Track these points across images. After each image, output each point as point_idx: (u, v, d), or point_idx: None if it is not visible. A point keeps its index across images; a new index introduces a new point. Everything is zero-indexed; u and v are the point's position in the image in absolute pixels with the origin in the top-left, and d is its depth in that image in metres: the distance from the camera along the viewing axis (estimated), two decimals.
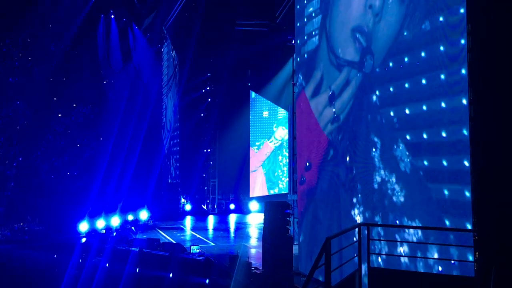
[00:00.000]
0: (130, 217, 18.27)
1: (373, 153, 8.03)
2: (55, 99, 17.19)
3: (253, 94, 23.93)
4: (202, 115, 23.65)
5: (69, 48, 17.32)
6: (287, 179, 23.20)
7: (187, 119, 22.99)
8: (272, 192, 23.68)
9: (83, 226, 15.83)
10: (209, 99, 23.60)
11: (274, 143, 23.87)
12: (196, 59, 21.54)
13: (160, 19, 20.48)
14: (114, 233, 16.26)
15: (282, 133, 23.54)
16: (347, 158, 8.97)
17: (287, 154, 23.51)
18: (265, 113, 23.85)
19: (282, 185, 23.41)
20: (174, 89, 22.24)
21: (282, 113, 23.21)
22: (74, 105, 17.80)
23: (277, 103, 23.37)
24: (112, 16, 19.14)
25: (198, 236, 16.45)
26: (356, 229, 6.27)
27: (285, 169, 23.23)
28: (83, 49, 17.85)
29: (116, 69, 19.37)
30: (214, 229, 18.56)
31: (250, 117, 23.94)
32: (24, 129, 15.96)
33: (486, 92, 5.00)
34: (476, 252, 4.97)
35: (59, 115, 17.24)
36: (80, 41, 17.61)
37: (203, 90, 23.70)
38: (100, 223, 16.37)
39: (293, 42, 12.85)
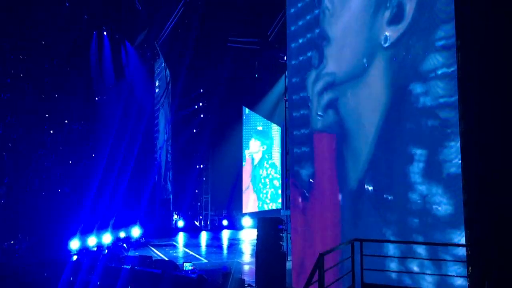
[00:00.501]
0: (122, 234, 18.10)
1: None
2: (47, 115, 17.13)
3: (246, 110, 24.00)
4: (194, 130, 23.65)
5: (62, 65, 17.33)
6: (271, 190, 23.32)
7: (180, 134, 22.97)
8: (266, 207, 23.62)
9: (74, 244, 15.66)
10: (202, 115, 23.63)
11: (251, 156, 24.03)
12: (188, 75, 21.65)
13: (152, 35, 20.61)
14: (106, 251, 16.09)
15: (255, 146, 23.73)
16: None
17: (268, 167, 23.61)
18: (259, 128, 23.93)
19: (267, 198, 23.44)
20: (166, 105, 22.27)
21: (276, 129, 23.30)
22: (66, 121, 17.74)
23: (270, 119, 23.46)
24: (105, 33, 19.22)
25: (191, 252, 16.32)
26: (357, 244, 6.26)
27: (267, 180, 23.42)
28: (76, 65, 17.86)
29: (109, 85, 19.37)
30: (207, 246, 18.42)
31: (243, 133, 23.99)
32: (15, 146, 15.85)
33: (475, 107, 5.05)
34: (469, 267, 4.96)
35: (51, 131, 17.15)
36: (73, 58, 17.62)
37: (196, 106, 23.75)
38: (92, 240, 16.20)
39: (285, 58, 12.96)
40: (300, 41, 11.02)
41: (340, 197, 9.06)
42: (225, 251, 17.30)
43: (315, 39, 10.16)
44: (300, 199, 10.90)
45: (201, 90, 23.59)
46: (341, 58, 9.26)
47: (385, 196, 7.73)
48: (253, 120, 24.04)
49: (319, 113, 9.90)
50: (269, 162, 23.77)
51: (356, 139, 8.60)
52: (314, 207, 10.24)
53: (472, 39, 5.30)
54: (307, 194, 10.55)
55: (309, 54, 10.47)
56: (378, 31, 8.00)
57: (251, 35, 21.13)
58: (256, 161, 23.96)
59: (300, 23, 11.07)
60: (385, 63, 7.84)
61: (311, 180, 10.42)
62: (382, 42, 7.88)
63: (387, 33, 7.78)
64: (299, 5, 11.12)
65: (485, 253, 4.80)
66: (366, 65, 8.36)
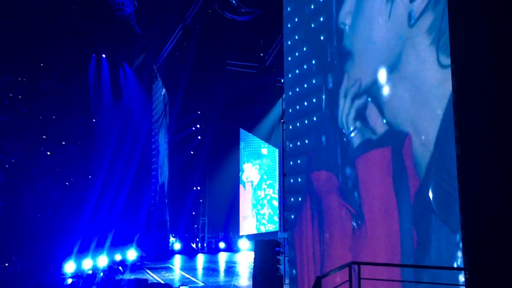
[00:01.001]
0: (118, 257, 17.93)
1: None
2: (44, 137, 17.14)
3: (243, 132, 24.09)
4: (192, 152, 23.68)
5: (60, 86, 17.43)
6: (268, 211, 23.25)
7: (177, 156, 22.98)
8: (263, 229, 23.51)
9: (69, 267, 15.49)
10: (199, 137, 23.69)
11: (248, 179, 24.04)
12: (186, 97, 21.84)
13: (151, 58, 20.83)
14: (101, 274, 15.91)
15: (252, 169, 23.78)
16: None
17: (266, 187, 23.59)
18: (259, 149, 23.99)
19: (264, 220, 23.35)
20: (164, 127, 22.34)
21: (273, 151, 23.37)
22: (64, 142, 17.75)
23: (268, 141, 23.55)
24: (104, 55, 19.39)
25: (187, 276, 16.15)
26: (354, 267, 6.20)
27: (265, 201, 23.38)
28: (74, 87, 17.97)
29: (106, 107, 19.46)
30: (204, 268, 18.25)
31: (240, 155, 24.03)
32: (12, 167, 15.82)
33: (471, 129, 5.09)
34: None
35: (48, 153, 17.14)
36: (71, 80, 17.75)
37: (193, 128, 23.83)
38: (87, 263, 16.04)
39: (282, 81, 13.08)
40: (298, 71, 10.99)
41: (397, 215, 7.77)
42: (222, 274, 17.14)
43: (327, 64, 9.81)
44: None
45: (199, 112, 23.72)
46: (365, 62, 8.58)
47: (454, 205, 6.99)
48: (250, 142, 24.11)
49: (352, 134, 8.92)
50: (267, 182, 23.76)
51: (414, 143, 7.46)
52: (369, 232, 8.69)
53: (467, 64, 5.38)
54: (354, 224, 9.07)
55: (314, 81, 10.31)
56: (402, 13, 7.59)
57: (248, 59, 21.43)
58: (255, 184, 23.95)
59: (297, 53, 11.10)
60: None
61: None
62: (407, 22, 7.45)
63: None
64: (296, 37, 11.22)
65: (484, 276, 4.78)
66: (400, 50, 7.54)
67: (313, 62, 10.38)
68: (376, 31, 8.31)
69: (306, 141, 10.58)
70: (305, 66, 10.76)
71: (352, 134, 8.87)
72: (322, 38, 10.04)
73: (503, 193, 4.77)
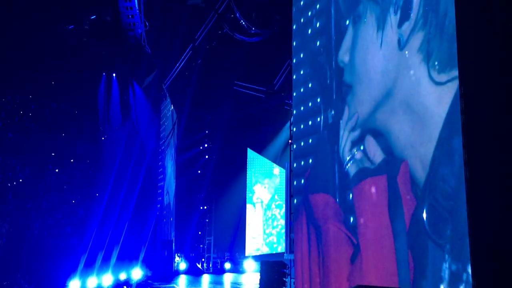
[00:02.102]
0: (123, 276, 17.82)
1: None
2: (52, 154, 17.28)
3: (250, 152, 24.10)
4: (199, 171, 23.68)
5: (70, 105, 17.63)
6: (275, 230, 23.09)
7: (184, 175, 22.99)
8: (269, 250, 23.32)
9: (74, 285, 15.39)
10: (207, 156, 23.72)
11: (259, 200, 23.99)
12: (194, 116, 21.96)
13: (160, 77, 21.04)
14: None
15: (261, 190, 23.74)
16: None
17: (274, 208, 23.49)
18: (276, 171, 23.99)
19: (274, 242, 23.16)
20: (172, 146, 22.42)
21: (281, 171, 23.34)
22: (72, 160, 17.87)
23: (275, 161, 23.54)
24: (114, 75, 19.63)
25: None
26: None
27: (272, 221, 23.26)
28: (84, 105, 18.19)
29: (115, 126, 19.61)
30: None
31: (247, 175, 23.99)
32: (19, 185, 15.91)
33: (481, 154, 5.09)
34: None
35: (56, 170, 17.25)
36: (81, 98, 17.97)
37: (201, 147, 23.89)
38: (92, 282, 15.94)
39: (291, 102, 13.13)
40: (302, 108, 11.05)
41: (393, 240, 7.67)
42: None
43: (332, 101, 9.78)
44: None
45: (206, 132, 23.80)
46: (363, 93, 8.70)
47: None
48: (258, 163, 24.11)
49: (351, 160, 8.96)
50: (277, 203, 23.67)
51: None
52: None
53: (475, 86, 5.39)
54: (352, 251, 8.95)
55: (319, 119, 10.25)
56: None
57: (257, 82, 21.59)
58: (265, 204, 23.89)
59: (302, 89, 11.10)
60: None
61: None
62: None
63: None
64: (301, 72, 11.27)
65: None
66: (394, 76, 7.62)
67: (318, 100, 10.36)
68: (370, 62, 8.40)
69: (310, 161, 10.57)
70: (310, 104, 10.79)
71: (348, 165, 8.88)
72: (328, 74, 10.09)
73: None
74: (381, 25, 8.06)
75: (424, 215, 6.78)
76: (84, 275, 15.97)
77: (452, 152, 6.10)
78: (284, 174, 21.57)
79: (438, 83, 6.50)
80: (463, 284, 5.72)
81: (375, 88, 8.21)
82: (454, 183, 5.99)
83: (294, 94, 11.59)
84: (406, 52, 7.31)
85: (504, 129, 5.26)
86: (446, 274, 6.30)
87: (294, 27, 11.86)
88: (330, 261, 9.44)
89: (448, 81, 6.22)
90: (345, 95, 9.23)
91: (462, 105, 5.54)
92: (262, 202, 23.91)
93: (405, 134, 7.37)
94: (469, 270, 5.54)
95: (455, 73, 5.97)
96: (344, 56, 9.41)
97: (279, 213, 23.39)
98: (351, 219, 8.87)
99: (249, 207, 23.86)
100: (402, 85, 7.45)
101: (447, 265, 6.29)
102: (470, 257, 5.19)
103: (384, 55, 7.94)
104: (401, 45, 7.44)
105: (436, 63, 6.55)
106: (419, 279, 6.91)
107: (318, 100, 10.35)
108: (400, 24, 7.51)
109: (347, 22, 9.35)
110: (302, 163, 10.97)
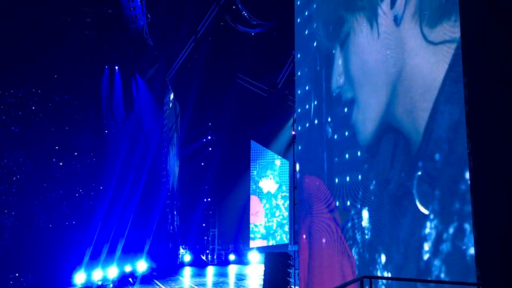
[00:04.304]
0: (128, 268, 17.92)
1: None
2: (56, 147, 17.31)
3: (254, 144, 24.09)
4: (202, 164, 23.70)
5: (73, 98, 17.64)
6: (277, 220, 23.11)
7: (188, 168, 23.01)
8: (273, 242, 23.39)
9: (80, 278, 15.50)
10: (210, 148, 23.72)
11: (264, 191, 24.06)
12: (197, 109, 21.93)
13: (163, 70, 20.99)
14: (111, 285, 15.91)
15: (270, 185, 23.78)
16: None
17: (280, 198, 23.52)
18: (277, 162, 23.99)
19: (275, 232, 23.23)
20: (175, 138, 22.43)
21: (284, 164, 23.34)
22: (76, 153, 17.90)
23: (278, 152, 23.52)
24: (116, 67, 19.60)
25: None
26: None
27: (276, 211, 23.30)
28: (87, 99, 18.19)
29: (118, 119, 19.62)
30: (213, 281, 18.15)
31: (251, 166, 24.01)
32: (24, 178, 15.97)
33: (484, 144, 5.05)
34: None
35: (60, 163, 17.29)
36: (84, 91, 17.96)
37: (204, 140, 23.88)
38: (97, 274, 16.04)
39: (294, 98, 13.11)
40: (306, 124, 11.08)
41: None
42: (231, 286, 17.03)
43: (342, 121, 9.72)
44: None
45: (210, 124, 23.78)
46: (370, 95, 8.67)
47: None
48: (260, 154, 24.11)
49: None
50: (283, 194, 23.71)
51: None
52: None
53: (478, 77, 5.35)
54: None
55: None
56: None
57: (259, 75, 21.53)
58: (272, 193, 24.02)
59: (307, 106, 11.11)
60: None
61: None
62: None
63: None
64: (307, 87, 11.26)
65: None
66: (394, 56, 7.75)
67: (330, 130, 10.29)
68: (369, 59, 8.44)
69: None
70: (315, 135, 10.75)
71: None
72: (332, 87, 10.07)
73: None
74: (374, 21, 8.20)
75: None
76: (90, 267, 16.07)
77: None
78: (287, 165, 21.59)
79: (431, 42, 6.53)
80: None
81: (381, 81, 8.08)
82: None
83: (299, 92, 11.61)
84: (404, 25, 7.33)
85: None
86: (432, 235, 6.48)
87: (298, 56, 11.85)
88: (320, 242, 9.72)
89: (441, 42, 6.27)
90: (351, 110, 9.10)
91: (465, 94, 5.50)
92: (269, 193, 23.97)
93: (409, 111, 7.18)
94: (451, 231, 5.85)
95: (447, 27, 6.08)
96: (337, 82, 9.52)
97: (283, 204, 23.44)
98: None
99: (253, 198, 23.92)
100: (404, 63, 7.36)
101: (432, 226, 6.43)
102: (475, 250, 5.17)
103: (383, 42, 7.95)
104: (398, 21, 7.50)
105: (429, 20, 6.59)
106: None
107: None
108: (392, 5, 7.63)
109: (333, 51, 9.60)
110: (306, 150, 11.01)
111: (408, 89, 7.19)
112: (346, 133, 9.12)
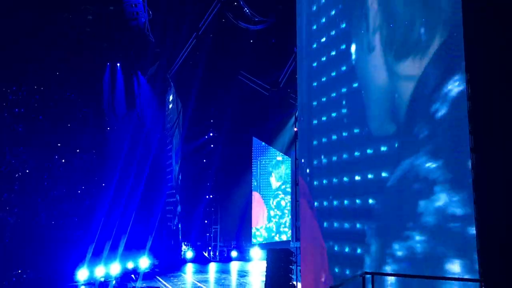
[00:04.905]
0: (130, 265, 17.97)
1: None
2: (59, 144, 17.33)
3: (256, 141, 24.10)
4: (204, 161, 23.70)
5: (75, 95, 17.64)
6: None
7: (190, 165, 23.02)
8: (276, 238, 23.42)
9: (82, 274, 15.55)
10: (212, 145, 23.73)
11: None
12: (199, 106, 21.93)
13: (164, 67, 20.99)
14: (114, 281, 15.96)
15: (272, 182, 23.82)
16: None
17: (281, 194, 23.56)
18: (279, 158, 24.01)
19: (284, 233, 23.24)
20: (177, 135, 22.43)
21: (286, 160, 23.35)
22: (78, 151, 17.92)
23: (280, 149, 23.53)
24: (118, 64, 19.59)
25: (199, 284, 16.11)
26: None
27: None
28: (89, 96, 18.18)
29: (120, 116, 19.62)
30: (216, 277, 18.19)
31: (253, 163, 24.02)
32: (26, 176, 15.99)
33: (486, 139, 5.04)
34: None
35: (63, 160, 17.31)
36: (86, 89, 17.96)
37: (206, 137, 23.88)
38: (100, 271, 16.09)
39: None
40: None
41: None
42: (233, 283, 17.07)
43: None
44: None
45: (211, 121, 23.78)
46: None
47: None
48: (261, 150, 24.13)
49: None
50: (287, 190, 23.76)
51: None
52: None
53: (480, 73, 5.34)
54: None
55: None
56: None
57: (261, 72, 21.51)
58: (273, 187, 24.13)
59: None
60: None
61: None
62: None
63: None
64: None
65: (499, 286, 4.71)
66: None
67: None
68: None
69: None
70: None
71: None
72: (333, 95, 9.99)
73: None
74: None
75: None
76: (92, 264, 16.12)
77: None
78: (290, 162, 21.55)
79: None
80: None
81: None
82: None
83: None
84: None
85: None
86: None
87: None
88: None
89: None
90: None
91: (468, 91, 5.50)
92: (271, 189, 24.04)
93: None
94: None
95: None
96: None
97: (283, 199, 23.54)
98: None
99: (255, 194, 23.95)
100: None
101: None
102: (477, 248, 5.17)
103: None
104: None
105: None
106: None
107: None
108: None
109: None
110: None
111: None
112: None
